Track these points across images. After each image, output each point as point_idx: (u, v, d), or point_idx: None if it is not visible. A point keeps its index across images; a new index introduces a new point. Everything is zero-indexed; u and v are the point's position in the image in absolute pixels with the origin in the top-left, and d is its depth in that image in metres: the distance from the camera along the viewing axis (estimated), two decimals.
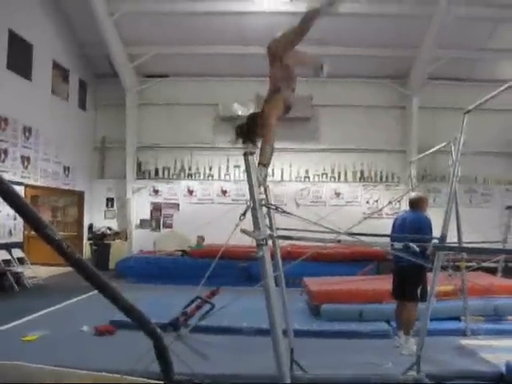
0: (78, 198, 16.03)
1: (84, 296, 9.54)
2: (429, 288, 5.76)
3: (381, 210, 13.69)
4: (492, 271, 10.67)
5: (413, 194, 7.26)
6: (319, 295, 8.33)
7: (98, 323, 7.06)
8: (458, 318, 7.52)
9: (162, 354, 2.33)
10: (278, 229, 4.95)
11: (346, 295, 8.23)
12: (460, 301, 7.35)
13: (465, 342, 6.62)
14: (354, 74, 15.48)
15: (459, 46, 14.05)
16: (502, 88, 5.04)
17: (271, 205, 3.79)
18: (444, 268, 7.47)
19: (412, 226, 6.35)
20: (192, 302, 6.50)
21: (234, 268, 11.70)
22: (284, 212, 3.53)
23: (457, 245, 6.95)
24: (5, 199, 1.60)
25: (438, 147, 8.17)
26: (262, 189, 4.26)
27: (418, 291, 6.31)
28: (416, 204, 6.85)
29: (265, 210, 3.69)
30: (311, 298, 8.60)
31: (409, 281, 6.36)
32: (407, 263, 5.31)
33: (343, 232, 4.22)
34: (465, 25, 13.17)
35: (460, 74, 15.37)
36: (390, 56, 14.66)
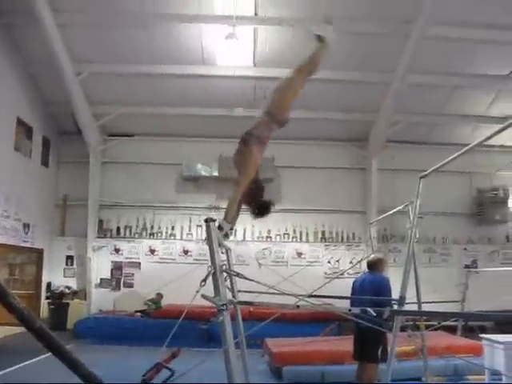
0: (37, 255, 15.70)
1: (39, 358, 9.26)
2: (389, 349, 5.83)
3: (343, 272, 13.75)
4: (452, 330, 10.81)
5: (371, 256, 7.40)
6: (281, 357, 8.30)
7: None
8: (419, 379, 7.56)
9: None
10: (239, 291, 4.98)
11: (307, 356, 8.23)
12: (420, 361, 7.40)
13: None
14: (315, 137, 15.88)
15: (416, 111, 14.65)
16: (457, 154, 5.26)
17: (232, 271, 3.83)
18: (403, 328, 7.54)
19: (371, 288, 6.46)
20: (152, 368, 6.38)
21: (194, 329, 11.57)
22: (245, 278, 3.58)
23: (416, 306, 7.06)
24: None
25: (395, 210, 8.38)
26: (224, 249, 4.32)
27: (379, 352, 6.36)
28: (374, 266, 6.99)
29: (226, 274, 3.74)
30: (273, 360, 8.56)
31: (369, 342, 6.41)
32: (367, 325, 5.39)
33: (303, 296, 4.28)
34: (421, 91, 13.78)
35: (417, 137, 15.93)
36: (350, 120, 15.13)
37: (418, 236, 6.22)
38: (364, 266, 14.38)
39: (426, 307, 7.63)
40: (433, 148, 14.98)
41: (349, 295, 7.15)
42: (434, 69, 13.25)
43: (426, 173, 5.97)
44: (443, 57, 12.79)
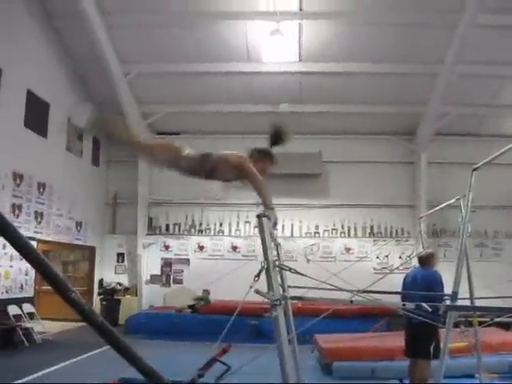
0: (90, 252, 16.10)
1: (94, 352, 9.51)
2: (441, 345, 5.74)
3: (395, 268, 13.58)
4: (506, 326, 10.56)
5: (422, 251, 7.30)
6: (330, 353, 8.28)
7: (108, 380, 7.01)
8: (472, 376, 7.43)
9: None
10: (289, 286, 4.99)
11: (357, 352, 8.18)
12: (474, 358, 7.26)
13: None
14: (362, 131, 15.74)
15: (466, 103, 14.30)
16: (509, 146, 5.14)
17: (285, 266, 3.84)
18: (456, 325, 7.42)
19: (423, 283, 6.37)
20: (207, 363, 6.46)
21: (243, 325, 11.62)
22: (297, 273, 3.59)
23: (468, 302, 6.93)
24: (34, 266, 1.70)
25: (446, 203, 8.23)
26: (273, 244, 4.32)
27: (431, 348, 6.27)
28: (426, 260, 6.89)
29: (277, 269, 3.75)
30: (323, 356, 8.54)
31: (421, 338, 6.33)
32: (419, 321, 5.31)
33: (355, 291, 4.26)
34: (471, 82, 13.44)
35: (467, 129, 15.56)
36: (398, 113, 14.90)
37: (470, 230, 6.09)
38: (414, 262, 14.25)
39: (478, 303, 7.46)
40: (483, 140, 14.58)
41: (398, 290, 7.07)
42: (483, 59, 12.90)
43: (478, 165, 5.84)
44: (492, 46, 12.45)
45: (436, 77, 13.11)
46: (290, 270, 3.68)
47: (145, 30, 12.92)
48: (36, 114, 12.43)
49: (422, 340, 6.33)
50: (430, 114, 14.33)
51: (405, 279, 7.09)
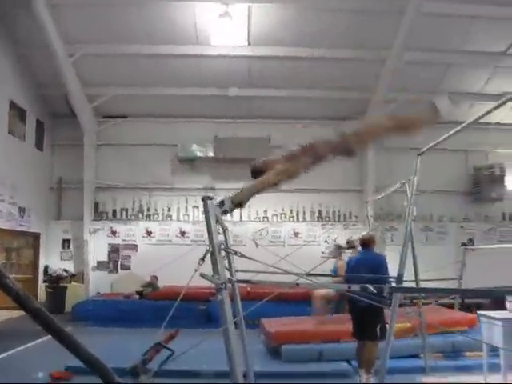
0: (34, 239, 15.69)
1: (38, 341, 9.27)
2: (387, 326, 5.85)
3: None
4: (449, 308, 10.86)
5: (364, 234, 7.38)
6: (278, 336, 8.31)
7: (53, 369, 6.87)
8: (417, 356, 7.60)
9: None
10: (237, 271, 4.97)
11: (304, 335, 8.24)
12: (418, 338, 7.44)
13: (425, 379, 6.67)
14: (311, 116, 15.76)
15: (412, 89, 14.51)
16: (452, 131, 5.25)
17: (231, 249, 3.81)
18: (401, 305, 7.57)
19: (368, 266, 6.45)
20: (151, 348, 6.38)
21: (193, 310, 11.59)
22: (243, 256, 3.57)
23: (413, 284, 7.08)
24: None
25: (392, 188, 8.38)
26: (221, 228, 4.28)
27: (378, 330, 6.38)
28: (368, 243, 6.98)
29: (224, 253, 3.72)
30: (270, 340, 8.57)
31: (368, 321, 6.42)
32: (365, 304, 5.38)
33: (302, 274, 4.27)
34: (417, 69, 13.66)
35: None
36: (346, 98, 15.01)
37: (415, 214, 6.21)
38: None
39: (423, 285, 7.65)
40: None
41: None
42: (429, 46, 13.15)
43: (423, 150, 5.96)
44: (439, 33, 12.71)
45: (384, 63, 13.27)
46: (235, 253, 3.66)
47: (91, 9, 12.54)
48: None
49: (369, 322, 6.43)
50: (377, 99, 14.51)
51: (348, 263, 7.19)
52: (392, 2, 11.91)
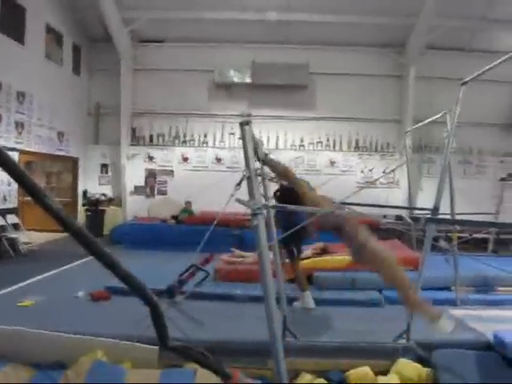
0: (73, 163, 15.96)
1: (79, 262, 9.61)
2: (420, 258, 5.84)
3: (376, 180, 13.68)
4: (483, 242, 10.81)
5: None
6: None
7: (93, 289, 7.11)
8: (448, 288, 7.62)
9: (157, 320, 2.38)
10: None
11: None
12: (452, 270, 7.42)
13: (454, 311, 6.71)
14: (350, 42, 15.33)
15: (458, 16, 13.89)
16: (499, 60, 5.03)
17: (267, 175, 3.81)
18: (435, 239, 7.52)
19: None
20: (187, 269, 6.55)
21: (227, 235, 11.74)
22: (281, 182, 3.56)
23: (449, 216, 7.01)
24: (4, 169, 1.62)
25: (433, 118, 8.15)
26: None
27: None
28: None
29: (260, 179, 3.72)
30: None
31: None
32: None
33: (338, 202, 4.27)
34: None
35: (459, 44, 15.23)
36: (387, 24, 14.48)
37: (454, 146, 6.06)
38: (398, 176, 14.36)
39: (459, 218, 7.55)
40: (474, 55, 14.34)
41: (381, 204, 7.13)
42: None
43: (467, 79, 5.74)
44: None
45: None
46: (271, 179, 3.66)
47: None
48: (12, 19, 11.85)
49: None
50: (420, 25, 13.96)
51: None
52: None
